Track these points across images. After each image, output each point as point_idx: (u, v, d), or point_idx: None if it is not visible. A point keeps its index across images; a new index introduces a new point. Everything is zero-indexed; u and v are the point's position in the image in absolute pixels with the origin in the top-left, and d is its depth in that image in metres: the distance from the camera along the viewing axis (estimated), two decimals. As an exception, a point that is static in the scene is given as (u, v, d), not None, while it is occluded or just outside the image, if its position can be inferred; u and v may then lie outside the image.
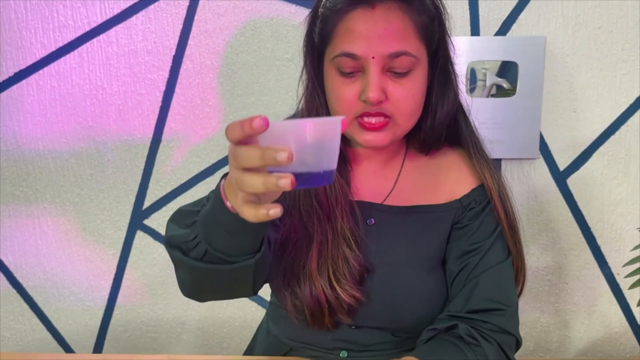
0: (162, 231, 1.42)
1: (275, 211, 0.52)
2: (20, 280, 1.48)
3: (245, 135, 0.52)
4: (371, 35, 0.73)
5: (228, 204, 0.62)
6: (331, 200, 0.82)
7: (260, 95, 1.33)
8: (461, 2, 1.26)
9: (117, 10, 1.32)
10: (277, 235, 0.83)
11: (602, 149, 1.31)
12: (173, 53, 1.33)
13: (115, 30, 1.33)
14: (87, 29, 1.33)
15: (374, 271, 0.84)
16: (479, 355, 0.75)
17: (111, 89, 1.36)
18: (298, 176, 0.51)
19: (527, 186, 1.34)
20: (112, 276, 1.46)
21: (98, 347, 1.52)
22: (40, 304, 1.49)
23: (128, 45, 1.33)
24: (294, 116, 0.92)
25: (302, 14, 1.29)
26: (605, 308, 1.40)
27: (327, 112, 0.82)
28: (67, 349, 1.53)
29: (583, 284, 1.39)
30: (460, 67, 1.24)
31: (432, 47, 0.79)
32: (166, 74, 1.34)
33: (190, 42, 1.32)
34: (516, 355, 0.81)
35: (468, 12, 1.27)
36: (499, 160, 1.33)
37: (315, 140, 0.53)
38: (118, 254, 1.45)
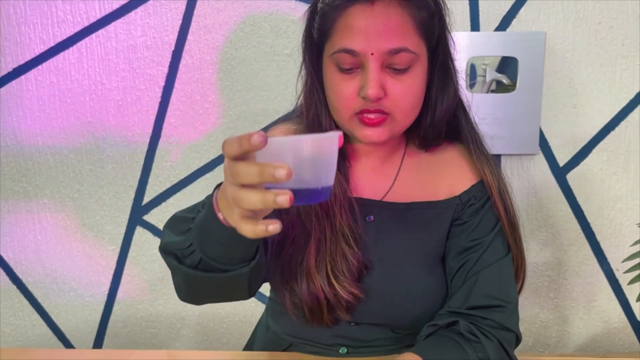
0: (162, 227, 1.42)
1: (275, 227, 0.52)
2: (20, 276, 1.48)
3: (243, 152, 0.51)
4: (370, 31, 0.72)
5: (220, 215, 0.62)
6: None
7: (260, 90, 1.33)
8: (461, -3, 1.26)
9: (116, 6, 1.31)
10: (275, 235, 0.83)
11: (602, 144, 1.31)
12: (172, 48, 1.33)
13: (114, 25, 1.32)
14: (86, 24, 1.33)
15: (372, 268, 0.84)
16: (479, 352, 0.75)
17: (110, 85, 1.35)
18: (296, 192, 0.51)
19: (526, 182, 1.34)
20: (111, 272, 1.46)
21: (98, 343, 1.52)
22: (40, 300, 1.50)
23: (127, 41, 1.33)
24: (293, 112, 0.92)
25: (301, 9, 1.28)
26: (604, 304, 1.40)
27: (326, 108, 0.82)
28: (67, 344, 1.53)
29: (582, 280, 1.39)
30: (460, 63, 1.24)
31: (431, 43, 0.78)
32: (165, 70, 1.34)
33: (190, 37, 1.32)
34: (515, 351, 0.81)
35: (468, 7, 1.26)
36: (498, 156, 1.33)
37: (313, 157, 0.52)
38: (118, 250, 1.45)
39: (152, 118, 1.36)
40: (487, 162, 0.85)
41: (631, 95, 1.28)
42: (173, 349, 1.50)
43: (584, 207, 1.35)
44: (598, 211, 1.35)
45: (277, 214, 0.77)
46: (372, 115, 0.75)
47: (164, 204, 1.41)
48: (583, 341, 1.43)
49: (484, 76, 1.27)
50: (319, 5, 0.78)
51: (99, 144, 1.38)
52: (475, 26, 1.27)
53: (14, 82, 1.36)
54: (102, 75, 1.35)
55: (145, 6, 1.31)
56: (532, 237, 1.36)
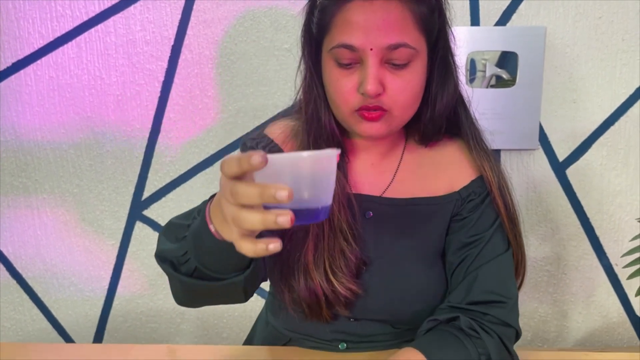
0: (162, 222, 1.42)
1: (275, 246, 0.51)
2: (20, 271, 1.48)
3: (242, 172, 0.51)
4: (369, 26, 0.72)
5: (212, 228, 0.62)
6: None
7: (260, 85, 1.33)
8: (461, -9, 1.26)
9: (115, 0, 1.31)
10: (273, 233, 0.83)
11: (601, 139, 1.31)
12: (172, 43, 1.32)
13: (113, 20, 1.32)
14: (85, 18, 1.32)
15: (371, 264, 0.84)
16: (479, 348, 0.75)
17: (110, 80, 1.35)
18: (296, 212, 0.50)
19: (526, 177, 1.34)
20: (111, 267, 1.47)
21: (98, 337, 1.52)
22: (40, 295, 1.50)
23: (126, 36, 1.33)
24: (292, 107, 0.91)
25: (300, 3, 1.26)
26: (603, 298, 1.40)
27: (326, 103, 0.81)
28: (67, 339, 1.53)
29: (581, 275, 1.39)
30: (460, 58, 1.23)
31: (431, 38, 0.78)
32: (165, 64, 1.34)
33: (189, 32, 1.31)
34: (514, 346, 0.81)
35: (468, 2, 1.26)
36: (498, 151, 1.33)
37: (313, 176, 0.52)
38: (117, 245, 1.45)
39: (152, 113, 1.36)
40: (487, 158, 0.85)
41: (631, 90, 1.28)
42: (173, 343, 1.50)
43: (583, 202, 1.35)
44: (597, 206, 1.35)
45: None
46: (370, 111, 0.75)
47: (163, 199, 1.41)
48: (582, 336, 1.44)
49: (484, 71, 1.27)
50: None
51: (99, 139, 1.38)
52: (475, 21, 1.27)
53: (13, 77, 1.36)
54: (102, 70, 1.35)
55: (145, 1, 1.30)
56: (532, 232, 1.37)
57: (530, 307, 1.42)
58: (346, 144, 0.87)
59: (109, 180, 1.41)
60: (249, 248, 0.52)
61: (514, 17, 1.26)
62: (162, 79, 1.34)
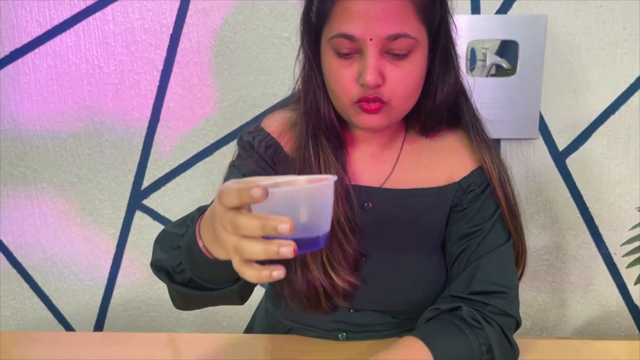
0: (161, 211, 1.42)
1: (279, 273, 0.51)
2: (20, 260, 1.48)
3: (242, 204, 0.50)
4: (369, 16, 0.71)
5: (200, 243, 0.63)
6: None
7: (259, 74, 1.32)
8: (462, -21, 1.25)
9: (113, -12, 1.30)
10: None
11: (601, 128, 1.31)
12: (170, 32, 1.32)
13: (111, 8, 1.31)
14: (83, 6, 1.31)
15: (371, 255, 0.84)
16: (480, 338, 0.75)
17: (108, 68, 1.35)
18: (297, 241, 0.50)
19: (526, 166, 1.34)
20: (111, 256, 1.47)
21: (98, 327, 1.53)
22: (40, 284, 1.50)
23: (125, 24, 1.32)
24: (291, 97, 0.91)
25: (300, -9, 1.27)
26: (602, 287, 1.41)
27: (325, 93, 0.80)
28: (68, 327, 1.54)
29: (580, 264, 1.40)
30: (461, 47, 1.23)
31: (433, 28, 0.76)
32: (164, 53, 1.33)
33: (188, 20, 1.31)
34: (514, 335, 0.82)
35: (469, -10, 1.25)
36: (498, 141, 1.32)
37: (312, 206, 0.52)
38: (117, 234, 1.45)
39: (151, 102, 1.36)
40: (487, 149, 0.85)
41: (632, 80, 1.28)
42: (173, 332, 1.51)
43: (583, 192, 1.35)
44: (597, 195, 1.35)
45: None
46: (370, 103, 0.75)
47: (163, 188, 1.41)
48: (580, 324, 1.44)
49: (484, 60, 1.26)
50: None
51: (98, 128, 1.38)
52: (476, 9, 1.26)
53: (11, 66, 1.35)
54: (100, 59, 1.34)
55: (143, -11, 1.30)
56: (531, 221, 1.37)
57: (529, 295, 1.42)
58: (345, 135, 0.86)
59: (108, 170, 1.41)
60: (252, 274, 0.52)
61: (515, 5, 1.25)
62: (161, 67, 1.34)
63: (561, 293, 1.42)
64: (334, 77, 0.76)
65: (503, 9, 1.25)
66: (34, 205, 1.44)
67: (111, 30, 1.32)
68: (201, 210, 0.71)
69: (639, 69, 1.27)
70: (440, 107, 0.81)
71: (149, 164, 1.40)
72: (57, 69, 1.35)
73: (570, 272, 1.40)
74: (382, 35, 0.71)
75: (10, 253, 1.48)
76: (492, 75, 1.27)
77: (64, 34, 1.33)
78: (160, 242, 0.76)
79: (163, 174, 1.40)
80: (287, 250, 0.49)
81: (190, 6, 1.30)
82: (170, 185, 1.41)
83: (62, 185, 1.42)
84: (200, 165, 1.39)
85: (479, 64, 1.27)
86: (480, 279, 0.80)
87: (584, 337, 1.42)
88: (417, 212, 0.85)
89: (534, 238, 1.38)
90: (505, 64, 1.26)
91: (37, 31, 1.33)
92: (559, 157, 1.33)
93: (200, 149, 1.38)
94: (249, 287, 0.76)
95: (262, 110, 1.33)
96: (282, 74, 1.32)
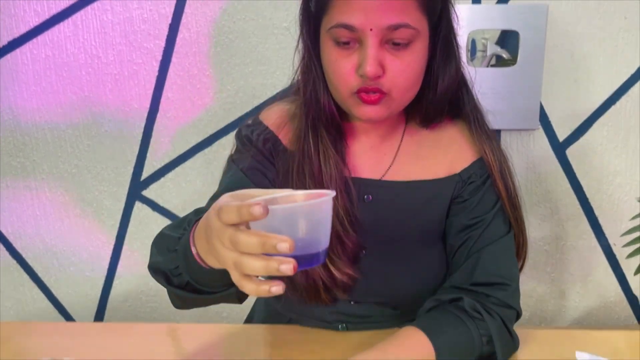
0: (161, 202, 1.42)
1: (278, 289, 0.50)
2: (20, 251, 1.49)
3: (241, 222, 0.50)
4: (369, 6, 0.70)
5: (193, 250, 0.62)
6: (325, 178, 0.80)
7: (258, 64, 1.32)
8: (462, -31, 1.24)
9: (111, -23, 1.29)
10: None
11: (602, 119, 1.30)
12: (169, 21, 1.31)
13: (109, -3, 1.30)
14: (81, -4, 1.31)
15: (370, 248, 0.84)
16: (481, 329, 0.75)
17: (107, 59, 1.34)
18: (297, 258, 0.50)
19: (526, 157, 1.34)
20: (111, 247, 1.47)
21: (99, 317, 1.53)
22: (40, 274, 1.50)
23: (123, 13, 1.31)
24: (291, 87, 0.90)
25: (300, -19, 1.26)
26: (601, 278, 1.41)
27: (324, 84, 0.80)
28: (68, 318, 1.54)
29: (580, 254, 1.40)
30: (462, 37, 1.22)
31: (434, 18, 0.76)
32: (162, 43, 1.32)
33: (187, 9, 1.30)
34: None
35: (469, -21, 1.24)
36: (498, 131, 1.32)
37: (311, 223, 0.52)
38: (117, 225, 1.45)
39: (150, 93, 1.35)
40: (488, 141, 0.84)
41: (632, 70, 1.27)
42: (173, 322, 1.51)
43: (583, 182, 1.35)
44: (597, 186, 1.35)
45: None
46: (370, 94, 0.74)
47: (162, 179, 1.41)
48: (579, 315, 1.45)
49: (484, 51, 1.26)
50: None
51: (97, 119, 1.38)
52: (476, -1, 1.25)
53: (9, 56, 1.35)
54: (99, 49, 1.33)
55: (141, -22, 1.29)
56: (531, 212, 1.37)
57: (529, 286, 1.43)
58: (345, 127, 0.85)
59: (107, 161, 1.40)
60: (252, 288, 0.52)
61: (516, -6, 1.24)
62: (159, 57, 1.33)
63: (560, 283, 1.42)
64: (333, 68, 0.75)
65: (504, -1, 1.25)
66: (34, 196, 1.44)
67: (109, 20, 1.31)
68: (198, 214, 0.71)
69: (640, 59, 1.26)
70: (441, 98, 0.81)
71: (148, 154, 1.39)
72: (55, 59, 1.34)
73: (570, 263, 1.40)
74: (382, 25, 0.70)
75: (10, 244, 1.48)
76: (492, 66, 1.27)
77: (62, 23, 1.32)
78: (157, 244, 0.75)
79: (162, 164, 1.40)
80: (287, 267, 0.49)
81: (189, -4, 1.29)
82: (169, 175, 1.40)
83: (61, 176, 1.42)
84: (199, 156, 1.39)
85: (479, 54, 1.26)
86: (481, 270, 0.80)
87: (583, 328, 1.43)
88: (418, 204, 0.84)
89: (534, 229, 1.38)
90: (505, 54, 1.26)
91: (35, 21, 1.32)
92: (560, 148, 1.33)
93: (200, 139, 1.38)
94: None
95: (261, 100, 1.33)
96: (282, 64, 1.31)
